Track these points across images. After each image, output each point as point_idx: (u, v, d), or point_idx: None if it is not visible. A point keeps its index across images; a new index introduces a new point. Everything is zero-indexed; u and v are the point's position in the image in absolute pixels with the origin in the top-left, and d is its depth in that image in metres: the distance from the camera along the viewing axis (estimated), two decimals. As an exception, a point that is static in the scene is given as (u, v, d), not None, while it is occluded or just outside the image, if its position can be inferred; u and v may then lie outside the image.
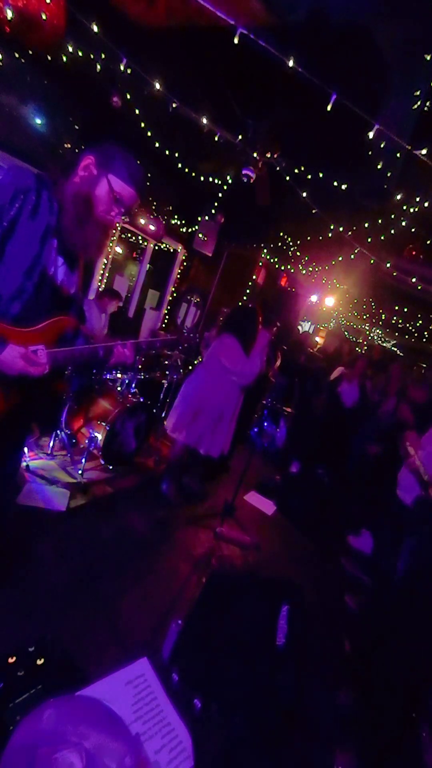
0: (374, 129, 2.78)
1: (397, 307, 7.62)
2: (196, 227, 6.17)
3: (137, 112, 4.11)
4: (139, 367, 3.82)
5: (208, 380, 2.93)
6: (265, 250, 6.59)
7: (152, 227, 5.44)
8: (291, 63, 2.65)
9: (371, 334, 12.33)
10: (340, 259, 5.96)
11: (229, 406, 2.97)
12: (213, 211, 6.05)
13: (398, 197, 3.87)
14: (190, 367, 4.85)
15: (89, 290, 4.41)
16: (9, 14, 2.67)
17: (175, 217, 6.03)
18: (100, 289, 5.03)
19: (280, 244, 6.30)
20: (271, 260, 7.00)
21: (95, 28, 2.99)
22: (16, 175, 1.18)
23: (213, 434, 2.94)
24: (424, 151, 2.93)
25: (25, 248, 1.19)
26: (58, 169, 1.26)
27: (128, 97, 3.90)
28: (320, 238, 5.49)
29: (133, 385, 3.48)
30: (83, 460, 2.96)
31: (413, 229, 4.43)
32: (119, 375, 3.38)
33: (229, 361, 2.86)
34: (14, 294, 1.20)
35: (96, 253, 1.36)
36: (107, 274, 5.63)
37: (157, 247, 6.44)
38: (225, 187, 5.40)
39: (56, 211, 1.22)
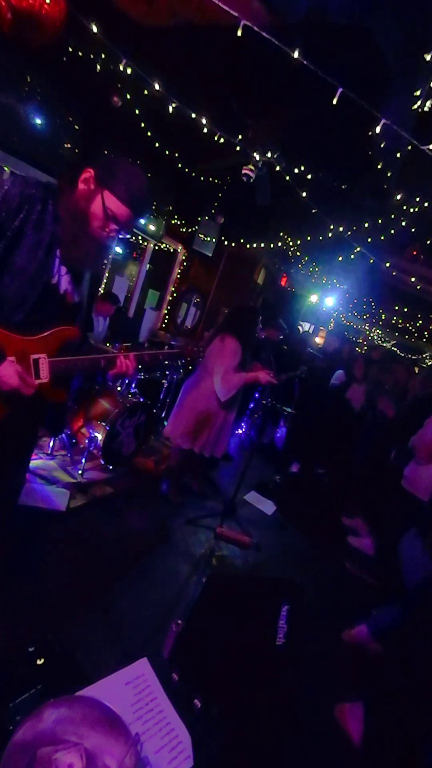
0: (380, 123, 2.73)
1: (397, 307, 7.62)
2: (196, 227, 6.17)
3: (137, 112, 4.11)
4: (139, 367, 3.82)
5: (211, 387, 2.83)
6: (265, 250, 6.59)
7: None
8: (296, 54, 2.58)
9: (371, 334, 12.33)
10: (340, 259, 5.96)
11: (232, 410, 2.97)
12: (213, 211, 6.04)
13: (398, 197, 3.87)
14: (191, 368, 4.85)
15: (96, 298, 4.43)
16: (9, 14, 2.67)
17: (175, 217, 6.02)
18: (100, 293, 5.05)
19: (280, 244, 6.30)
20: (271, 260, 7.00)
21: (95, 28, 2.99)
22: (22, 185, 1.16)
23: (218, 441, 2.94)
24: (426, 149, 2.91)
25: (29, 257, 1.18)
26: (67, 177, 1.24)
27: (128, 97, 3.90)
28: (320, 238, 5.48)
29: (133, 385, 3.48)
30: (83, 460, 2.97)
31: (413, 229, 4.43)
32: (119, 375, 3.38)
33: (222, 365, 2.75)
34: (18, 302, 1.19)
35: (93, 266, 1.35)
36: (107, 275, 5.63)
37: (157, 247, 6.44)
38: (225, 187, 5.40)
39: (60, 221, 1.21)
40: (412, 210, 4.04)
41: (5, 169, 4.04)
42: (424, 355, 11.40)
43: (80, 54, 3.44)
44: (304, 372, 4.44)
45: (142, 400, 3.28)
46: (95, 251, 1.28)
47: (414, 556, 2.14)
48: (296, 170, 4.22)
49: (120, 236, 1.29)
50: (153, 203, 5.24)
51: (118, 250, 5.86)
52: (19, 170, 3.98)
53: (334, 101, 2.58)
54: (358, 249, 5.15)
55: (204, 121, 3.70)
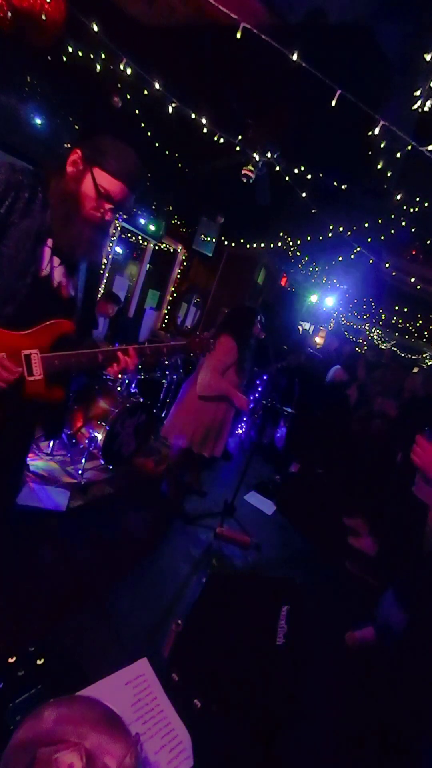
0: (379, 125, 2.74)
1: (397, 307, 7.62)
2: (196, 227, 6.17)
3: (137, 112, 4.11)
4: (139, 366, 3.82)
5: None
6: (265, 250, 6.59)
7: None
8: (295, 57, 2.58)
9: (371, 334, 12.32)
10: (340, 259, 5.96)
11: (231, 409, 2.96)
12: (213, 211, 6.04)
13: (398, 197, 3.87)
14: (190, 367, 4.85)
15: (96, 292, 4.42)
16: (9, 14, 2.67)
17: (175, 217, 6.02)
18: (100, 293, 5.05)
19: (280, 244, 6.30)
20: (271, 260, 7.00)
21: (95, 28, 2.99)
22: (8, 171, 1.12)
23: (217, 440, 2.94)
24: (429, 147, 2.90)
25: (17, 247, 1.13)
26: (55, 166, 1.21)
27: (128, 97, 3.90)
28: (320, 238, 5.49)
29: (133, 385, 3.48)
30: (83, 460, 2.96)
31: (413, 229, 4.44)
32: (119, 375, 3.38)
33: (214, 361, 2.73)
34: (7, 295, 1.14)
35: (89, 253, 1.27)
36: (107, 275, 5.63)
37: (157, 247, 6.44)
38: (225, 187, 5.40)
39: (50, 208, 1.17)
40: (412, 210, 4.04)
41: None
42: (424, 355, 11.39)
43: (80, 54, 3.44)
44: (294, 361, 4.44)
45: (142, 400, 3.28)
46: (90, 236, 1.20)
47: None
48: (296, 170, 4.22)
49: (117, 217, 1.21)
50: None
51: (118, 250, 5.86)
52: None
53: (333, 103, 2.59)
54: (358, 249, 5.15)
55: (204, 121, 3.70)
